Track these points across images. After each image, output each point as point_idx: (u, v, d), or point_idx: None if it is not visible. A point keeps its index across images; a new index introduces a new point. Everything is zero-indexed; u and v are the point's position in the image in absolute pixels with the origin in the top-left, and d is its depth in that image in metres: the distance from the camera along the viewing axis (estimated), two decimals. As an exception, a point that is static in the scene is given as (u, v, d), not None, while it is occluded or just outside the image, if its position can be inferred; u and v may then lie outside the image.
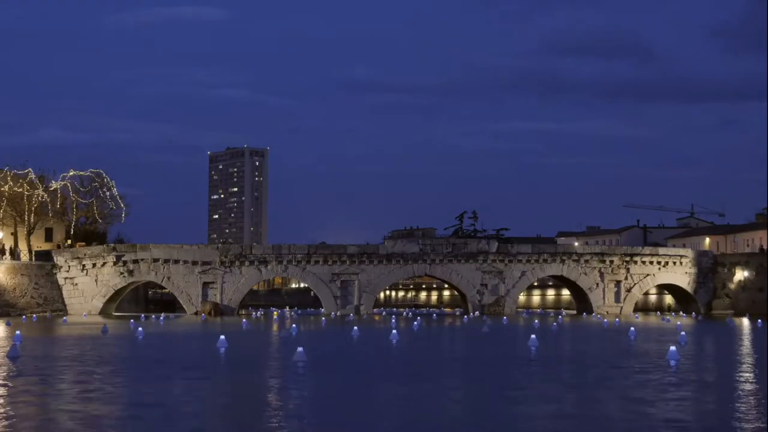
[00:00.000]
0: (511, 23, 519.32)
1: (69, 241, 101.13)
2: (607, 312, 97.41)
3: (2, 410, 20.32)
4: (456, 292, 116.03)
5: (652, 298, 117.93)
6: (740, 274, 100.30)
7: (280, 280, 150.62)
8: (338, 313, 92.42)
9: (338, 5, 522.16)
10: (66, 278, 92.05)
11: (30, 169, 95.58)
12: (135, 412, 20.65)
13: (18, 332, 44.93)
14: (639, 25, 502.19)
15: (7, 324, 63.37)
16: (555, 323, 67.74)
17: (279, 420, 19.70)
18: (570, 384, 26.68)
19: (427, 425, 19.14)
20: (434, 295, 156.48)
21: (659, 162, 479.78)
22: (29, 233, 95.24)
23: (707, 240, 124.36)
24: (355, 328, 54.29)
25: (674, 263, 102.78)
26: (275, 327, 62.70)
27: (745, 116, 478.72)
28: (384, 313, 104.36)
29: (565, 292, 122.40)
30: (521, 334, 52.56)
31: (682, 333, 48.52)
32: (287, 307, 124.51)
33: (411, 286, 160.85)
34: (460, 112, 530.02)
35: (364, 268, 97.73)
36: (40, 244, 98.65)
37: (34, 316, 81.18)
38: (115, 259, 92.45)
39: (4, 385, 25.22)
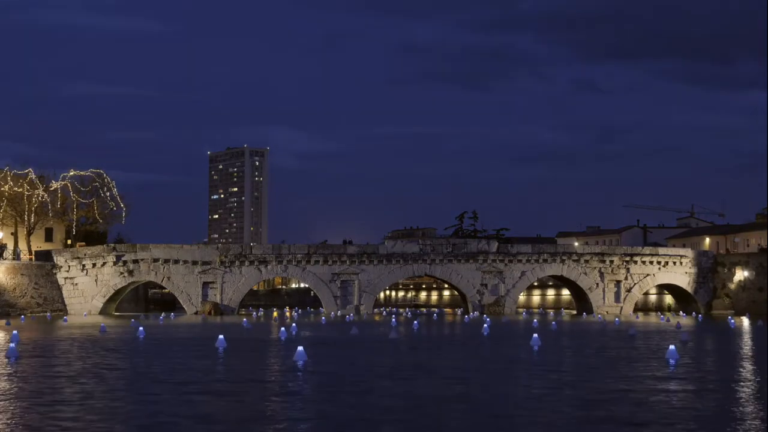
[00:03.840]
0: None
1: (69, 241, 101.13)
2: (607, 312, 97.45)
3: None
4: (456, 292, 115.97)
5: (652, 298, 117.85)
6: (740, 274, 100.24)
7: (280, 280, 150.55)
8: (338, 313, 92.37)
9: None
10: (66, 278, 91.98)
11: (30, 169, 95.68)
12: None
13: (15, 332, 44.86)
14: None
15: (7, 324, 63.27)
16: (554, 322, 67.72)
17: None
18: (568, 383, 26.65)
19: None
20: (434, 295, 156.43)
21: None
22: (29, 233, 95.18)
23: (707, 240, 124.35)
24: (354, 328, 54.24)
25: (674, 263, 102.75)
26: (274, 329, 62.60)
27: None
28: (384, 312, 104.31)
29: (565, 292, 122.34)
30: (522, 334, 52.50)
31: (684, 332, 48.40)
32: (287, 306, 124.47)
33: (411, 286, 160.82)
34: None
35: (364, 268, 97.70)
36: (40, 244, 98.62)
37: (33, 315, 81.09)
38: (115, 259, 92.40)
39: None
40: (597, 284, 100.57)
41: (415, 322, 66.94)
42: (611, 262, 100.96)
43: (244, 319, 68.20)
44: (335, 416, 20.00)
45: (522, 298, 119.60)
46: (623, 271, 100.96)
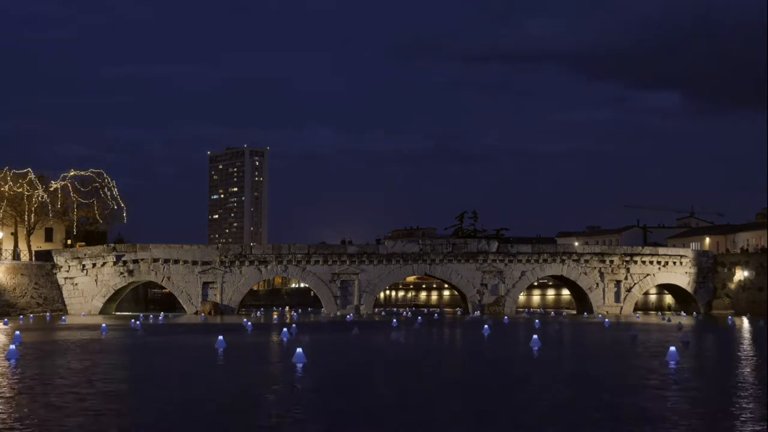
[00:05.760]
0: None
1: (69, 241, 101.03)
2: (607, 312, 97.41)
3: None
4: (456, 292, 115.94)
5: (652, 298, 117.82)
6: (740, 274, 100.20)
7: (280, 280, 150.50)
8: (338, 313, 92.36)
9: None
10: (66, 278, 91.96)
11: (30, 168, 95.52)
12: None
13: (17, 332, 44.85)
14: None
15: (5, 323, 63.25)
16: (557, 324, 67.71)
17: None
18: (568, 382, 26.64)
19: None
20: (434, 295, 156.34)
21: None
22: (29, 233, 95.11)
23: (707, 240, 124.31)
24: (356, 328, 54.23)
25: (674, 263, 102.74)
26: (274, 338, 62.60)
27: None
28: (384, 312, 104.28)
29: (565, 292, 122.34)
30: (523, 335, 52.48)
31: (684, 333, 48.41)
32: (287, 306, 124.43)
33: (411, 286, 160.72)
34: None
35: (364, 268, 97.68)
36: (40, 244, 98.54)
37: (32, 315, 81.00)
38: (115, 259, 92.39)
39: None
40: (597, 284, 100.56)
41: (419, 318, 66.96)
42: (611, 262, 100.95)
43: (246, 321, 67.99)
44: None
45: (522, 298, 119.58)
46: (623, 271, 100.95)
